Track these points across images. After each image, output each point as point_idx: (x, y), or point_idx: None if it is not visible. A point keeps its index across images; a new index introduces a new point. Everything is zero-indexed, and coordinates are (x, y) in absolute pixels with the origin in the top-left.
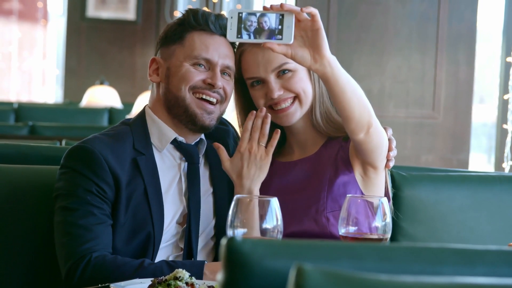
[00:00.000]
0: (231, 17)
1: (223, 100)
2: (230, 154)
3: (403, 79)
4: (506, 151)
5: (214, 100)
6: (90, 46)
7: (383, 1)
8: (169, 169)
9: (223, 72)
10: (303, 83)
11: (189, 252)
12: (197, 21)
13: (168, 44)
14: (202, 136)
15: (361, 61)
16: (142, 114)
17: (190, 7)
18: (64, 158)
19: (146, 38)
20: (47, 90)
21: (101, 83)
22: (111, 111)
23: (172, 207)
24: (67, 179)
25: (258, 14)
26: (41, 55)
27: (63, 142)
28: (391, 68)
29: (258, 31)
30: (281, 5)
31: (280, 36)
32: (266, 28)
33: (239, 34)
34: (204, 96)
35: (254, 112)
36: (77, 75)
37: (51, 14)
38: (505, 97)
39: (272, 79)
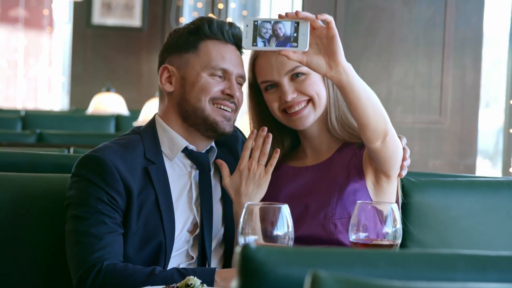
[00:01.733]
0: (247, 25)
1: (236, 109)
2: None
3: (410, 84)
4: None
5: (230, 110)
6: (96, 53)
7: (390, 6)
8: (179, 178)
9: (236, 81)
10: (317, 86)
11: (203, 260)
12: (212, 31)
13: (180, 52)
14: (213, 143)
15: (368, 67)
16: (152, 122)
17: (196, 14)
18: (75, 166)
19: (152, 44)
20: (53, 97)
21: (107, 90)
22: (118, 118)
23: (183, 216)
24: (79, 188)
25: (273, 22)
26: (47, 62)
27: (71, 149)
28: (398, 73)
29: (274, 39)
30: (296, 12)
31: (296, 44)
32: (282, 35)
33: (254, 42)
34: (222, 106)
35: (255, 131)
36: (83, 82)
37: (56, 21)
38: None
39: (286, 82)
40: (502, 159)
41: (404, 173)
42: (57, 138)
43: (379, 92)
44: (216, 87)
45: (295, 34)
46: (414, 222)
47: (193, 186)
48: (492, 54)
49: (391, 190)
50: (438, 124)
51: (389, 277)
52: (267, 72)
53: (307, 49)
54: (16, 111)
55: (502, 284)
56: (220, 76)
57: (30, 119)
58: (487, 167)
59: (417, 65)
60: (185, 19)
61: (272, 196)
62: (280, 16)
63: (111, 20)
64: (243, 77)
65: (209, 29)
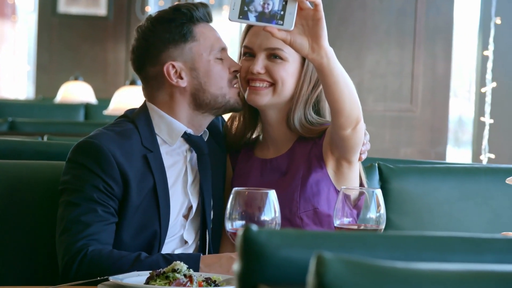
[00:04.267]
0: None
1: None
2: (223, 146)
3: (381, 73)
4: (484, 144)
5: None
6: (62, 42)
7: None
8: (175, 163)
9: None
10: (287, 75)
11: (203, 243)
12: (198, 15)
13: (177, 44)
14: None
15: (340, 56)
16: (145, 110)
17: (162, 3)
18: (71, 152)
19: (118, 33)
20: (18, 86)
21: (76, 78)
22: (87, 107)
23: (178, 201)
24: (75, 174)
25: None
26: (11, 51)
27: (45, 137)
28: (370, 62)
29: (260, 14)
30: None
31: (281, 22)
32: (268, 12)
33: (241, 15)
34: (235, 85)
35: None
36: (48, 71)
37: (21, 10)
38: (482, 90)
39: (261, 56)
40: (472, 147)
41: (364, 156)
42: (30, 126)
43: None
44: (225, 69)
45: (282, 12)
46: (392, 208)
47: (189, 170)
48: (462, 43)
49: (353, 175)
50: (409, 112)
51: (389, 259)
52: (252, 40)
53: (292, 28)
54: None
55: (498, 265)
56: (221, 57)
57: None
58: (456, 155)
59: (389, 54)
60: (151, 8)
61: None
62: None
63: (76, 9)
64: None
65: (195, 14)
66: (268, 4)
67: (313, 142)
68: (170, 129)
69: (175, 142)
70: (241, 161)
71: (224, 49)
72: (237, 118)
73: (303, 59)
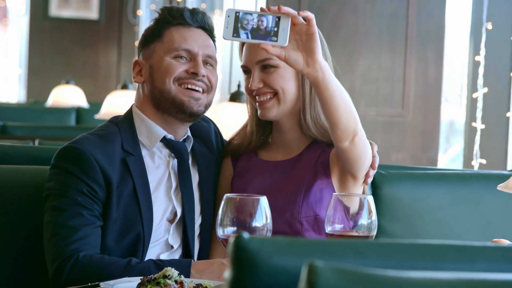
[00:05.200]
0: (228, 16)
1: (209, 89)
2: (214, 151)
3: (373, 78)
4: (475, 149)
5: (200, 89)
6: (53, 45)
7: (353, 1)
8: (158, 167)
9: (205, 62)
10: (284, 81)
11: (186, 249)
12: (172, 16)
13: (147, 44)
14: (189, 133)
15: (332, 61)
16: (130, 113)
17: (154, 6)
18: (54, 158)
19: (109, 37)
20: (9, 89)
21: (67, 82)
22: (79, 111)
23: (162, 205)
24: (58, 179)
25: (255, 15)
26: (2, 54)
27: (36, 141)
28: (361, 67)
29: (254, 32)
30: (279, 7)
31: (275, 38)
32: (262, 28)
33: (235, 33)
34: (189, 86)
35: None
36: (40, 74)
37: (12, 13)
38: (474, 95)
39: (256, 71)
40: (463, 153)
41: (369, 180)
42: (21, 130)
43: (342, 86)
44: (180, 68)
45: (275, 29)
46: (384, 214)
47: (172, 175)
48: (454, 48)
49: (357, 191)
50: (400, 117)
51: (381, 267)
52: (245, 58)
53: (286, 44)
54: None
55: (490, 273)
56: (185, 58)
57: None
58: (448, 160)
59: (380, 58)
60: (142, 12)
61: (242, 188)
62: (262, 9)
63: (68, 12)
64: (212, 57)
65: (169, 16)
66: (262, 21)
67: (322, 150)
68: (150, 133)
69: (153, 146)
70: (242, 161)
71: (189, 51)
72: (248, 125)
73: None
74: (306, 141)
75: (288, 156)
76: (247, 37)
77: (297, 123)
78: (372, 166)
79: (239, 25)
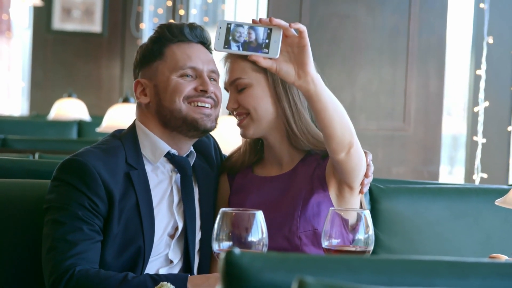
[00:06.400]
0: (220, 27)
1: (216, 104)
2: (214, 167)
3: (374, 92)
4: (477, 163)
5: (209, 105)
6: (56, 58)
7: (354, 14)
8: (161, 182)
9: (210, 77)
10: (255, 100)
11: (186, 264)
12: (172, 34)
13: (148, 63)
14: (192, 148)
15: (333, 74)
16: (133, 128)
17: (157, 20)
18: (57, 170)
19: (112, 50)
20: (12, 102)
21: (69, 95)
22: (80, 124)
23: (164, 220)
24: (60, 192)
25: (246, 27)
26: (6, 67)
27: (36, 155)
28: (362, 80)
29: (246, 43)
30: (270, 19)
31: (267, 50)
32: (254, 40)
33: (226, 44)
34: (199, 104)
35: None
36: (43, 87)
37: (16, 26)
38: (475, 109)
39: (232, 92)
40: (465, 166)
41: (365, 189)
42: (21, 143)
43: (343, 99)
44: (188, 86)
45: (267, 41)
46: (383, 228)
47: (174, 190)
48: (455, 62)
49: (354, 201)
50: (402, 131)
51: (373, 283)
52: (224, 79)
53: (277, 56)
54: None
55: None
56: (191, 76)
57: None
58: (448, 174)
59: (381, 72)
60: (145, 25)
61: (239, 204)
62: (253, 21)
63: (71, 26)
64: (215, 72)
65: (169, 33)
66: (253, 33)
67: (317, 163)
68: (154, 148)
69: (157, 161)
70: (238, 178)
71: (194, 68)
72: (242, 144)
73: (266, 75)
74: (299, 154)
75: (283, 171)
76: (238, 49)
77: (286, 137)
78: (365, 174)
79: (231, 37)
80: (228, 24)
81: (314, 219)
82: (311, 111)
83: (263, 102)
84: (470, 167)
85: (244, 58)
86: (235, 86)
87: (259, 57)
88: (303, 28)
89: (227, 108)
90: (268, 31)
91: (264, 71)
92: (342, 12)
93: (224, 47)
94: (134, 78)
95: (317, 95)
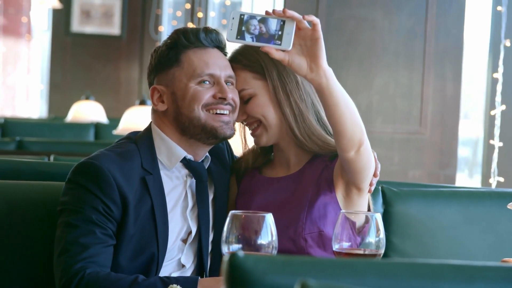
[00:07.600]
0: (233, 18)
1: (234, 109)
2: (227, 169)
3: (390, 95)
4: (493, 167)
5: (227, 112)
6: (75, 61)
7: (371, 17)
8: (175, 187)
9: (227, 82)
10: (262, 108)
11: (200, 269)
12: (188, 40)
13: (164, 69)
14: (207, 152)
15: (349, 77)
16: (149, 131)
17: (175, 22)
18: (72, 172)
19: (131, 52)
20: (31, 105)
21: (87, 98)
22: (97, 126)
23: (177, 225)
24: (74, 195)
25: (259, 18)
26: (25, 70)
27: (52, 157)
28: (379, 84)
29: (258, 35)
30: (284, 10)
31: (279, 42)
32: (266, 32)
33: (239, 35)
34: (218, 111)
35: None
36: (61, 90)
37: (35, 29)
38: (492, 112)
39: (241, 103)
40: (482, 170)
41: (372, 188)
42: (37, 145)
43: (359, 102)
44: (207, 93)
45: (279, 32)
46: (396, 231)
47: (189, 195)
48: (472, 65)
49: (362, 203)
50: (418, 134)
51: (377, 287)
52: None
53: (290, 48)
54: None
55: None
56: (208, 82)
57: (9, 127)
58: (465, 178)
59: (398, 75)
60: (164, 28)
61: (245, 205)
62: (267, 12)
63: (90, 28)
64: (232, 76)
65: (185, 39)
66: (266, 24)
67: (324, 165)
68: (170, 153)
69: (173, 166)
70: (245, 179)
71: (212, 75)
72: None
73: (267, 81)
74: (307, 156)
75: (290, 172)
76: (252, 40)
77: (292, 141)
78: (374, 174)
79: (244, 27)
80: (241, 15)
81: (320, 220)
82: (317, 114)
83: (269, 109)
84: (486, 170)
85: (243, 68)
86: (241, 98)
87: (271, 48)
88: (316, 20)
89: (237, 121)
90: (281, 23)
91: (264, 78)
92: (358, 15)
93: (237, 38)
94: (148, 82)
95: (329, 89)
